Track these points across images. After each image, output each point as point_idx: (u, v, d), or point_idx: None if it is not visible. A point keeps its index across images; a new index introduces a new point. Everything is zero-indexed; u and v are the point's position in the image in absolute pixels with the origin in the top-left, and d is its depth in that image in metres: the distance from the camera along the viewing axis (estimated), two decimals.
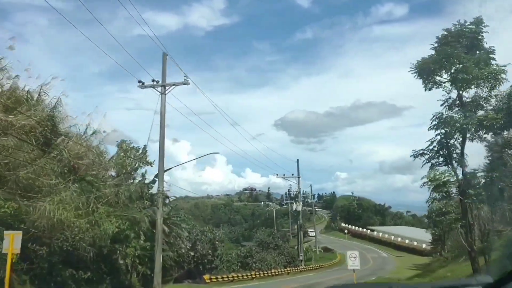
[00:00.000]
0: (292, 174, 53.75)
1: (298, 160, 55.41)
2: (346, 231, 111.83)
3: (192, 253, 34.03)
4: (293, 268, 47.26)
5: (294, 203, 55.81)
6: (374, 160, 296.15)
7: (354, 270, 25.56)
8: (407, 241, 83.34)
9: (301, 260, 52.40)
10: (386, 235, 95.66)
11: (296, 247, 55.41)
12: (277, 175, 53.28)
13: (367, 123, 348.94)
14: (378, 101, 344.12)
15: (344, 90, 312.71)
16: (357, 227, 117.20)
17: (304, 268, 49.90)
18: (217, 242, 37.40)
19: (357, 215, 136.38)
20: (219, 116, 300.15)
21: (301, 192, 54.94)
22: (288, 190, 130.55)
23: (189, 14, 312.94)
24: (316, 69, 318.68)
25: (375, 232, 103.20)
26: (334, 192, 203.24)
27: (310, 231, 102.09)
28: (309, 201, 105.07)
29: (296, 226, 63.86)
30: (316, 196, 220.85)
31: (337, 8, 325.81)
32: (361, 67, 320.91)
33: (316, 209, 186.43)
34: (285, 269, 45.12)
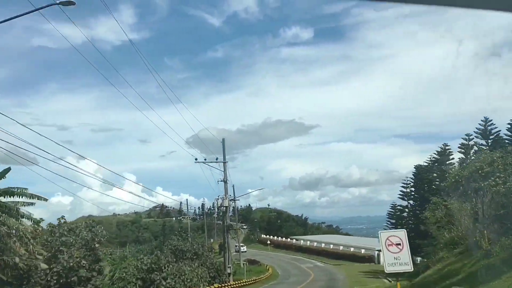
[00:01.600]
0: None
1: (223, 139, 41.34)
2: (269, 242, 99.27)
3: (47, 266, 18.36)
4: (221, 285, 32.59)
5: (220, 200, 41.25)
6: (284, 177, 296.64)
7: None
8: (341, 247, 72.59)
9: (230, 274, 37.88)
10: (315, 243, 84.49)
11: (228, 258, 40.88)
12: (196, 159, 38.84)
13: (277, 140, 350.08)
14: (287, 119, 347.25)
15: (255, 109, 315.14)
16: (280, 238, 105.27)
17: (235, 284, 35.53)
18: (97, 245, 21.27)
19: (278, 225, 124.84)
20: (128, 133, 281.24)
21: (227, 176, 40.76)
22: (202, 204, 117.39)
23: (95, 27, 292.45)
24: (227, 87, 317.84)
25: (302, 241, 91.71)
26: (249, 205, 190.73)
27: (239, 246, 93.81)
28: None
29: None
30: (230, 210, 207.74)
31: (247, 29, 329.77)
32: (271, 86, 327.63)
33: (232, 223, 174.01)
34: (211, 287, 30.40)
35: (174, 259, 30.75)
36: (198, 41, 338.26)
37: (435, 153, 43.66)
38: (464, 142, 40.20)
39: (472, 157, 40.61)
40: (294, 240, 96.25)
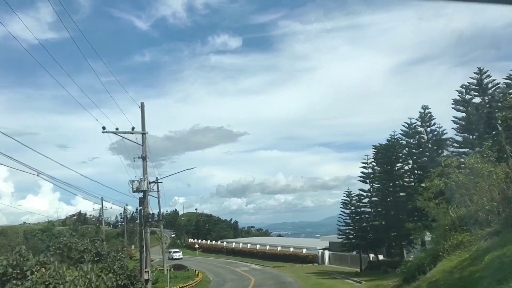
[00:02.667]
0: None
1: (142, 103, 31.02)
2: (197, 246, 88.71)
3: None
4: None
5: (138, 183, 30.36)
6: (212, 184, 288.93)
7: None
8: (279, 248, 64.22)
9: (147, 281, 27.45)
10: (249, 245, 75.48)
11: (146, 260, 29.99)
12: (104, 128, 28.13)
13: (205, 147, 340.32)
14: (216, 126, 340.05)
15: (183, 115, 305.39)
16: (209, 241, 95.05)
17: None
18: None
19: (207, 229, 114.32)
20: (44, 137, 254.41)
21: (147, 152, 30.31)
22: (124, 208, 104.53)
23: (10, 25, 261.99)
24: (155, 93, 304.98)
25: (234, 244, 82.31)
26: (176, 210, 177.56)
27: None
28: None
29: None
30: (155, 216, 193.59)
31: (176, 34, 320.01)
32: (199, 93, 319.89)
33: (157, 229, 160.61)
34: None
35: (60, 259, 19.99)
36: (124, 44, 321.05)
37: (405, 126, 36.60)
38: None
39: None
40: (225, 243, 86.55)
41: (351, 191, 40.84)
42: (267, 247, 67.79)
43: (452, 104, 31.22)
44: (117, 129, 29.66)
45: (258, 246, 71.17)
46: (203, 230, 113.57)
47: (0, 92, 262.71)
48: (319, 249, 55.58)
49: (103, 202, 63.85)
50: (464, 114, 30.68)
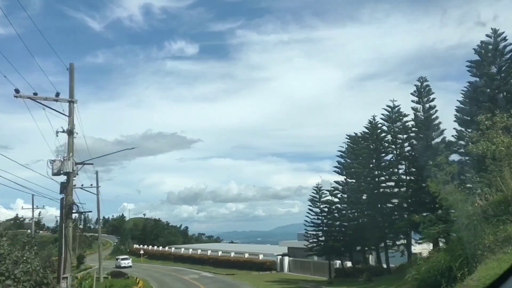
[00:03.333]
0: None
1: (71, 64, 24.35)
2: (141, 252, 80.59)
3: None
4: None
5: (60, 163, 23.28)
6: (162, 191, 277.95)
7: None
8: (232, 254, 58.04)
9: None
10: (200, 251, 68.71)
11: (64, 263, 22.88)
12: (17, 91, 21.22)
13: (157, 153, 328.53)
14: (169, 132, 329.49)
15: (136, 120, 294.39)
16: (156, 247, 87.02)
17: None
18: None
19: (154, 234, 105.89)
20: None
21: (79, 128, 23.31)
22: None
23: None
24: (107, 95, 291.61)
25: (183, 249, 75.12)
26: (123, 215, 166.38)
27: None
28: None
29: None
30: (81, 207, 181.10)
31: (132, 38, 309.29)
32: (153, 98, 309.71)
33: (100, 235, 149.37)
34: None
35: None
36: (75, 44, 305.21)
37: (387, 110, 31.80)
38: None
39: None
40: (173, 249, 79.09)
41: (320, 187, 35.72)
42: (219, 253, 61.40)
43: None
44: (35, 94, 22.53)
45: (209, 252, 64.65)
46: (151, 235, 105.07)
47: None
48: (277, 255, 50.03)
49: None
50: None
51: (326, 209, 35.74)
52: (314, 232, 36.53)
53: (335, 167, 36.95)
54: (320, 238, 36.06)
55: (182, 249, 74.78)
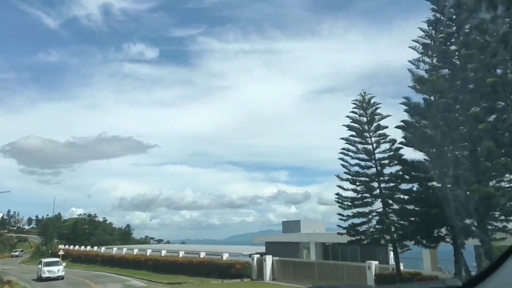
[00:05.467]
0: None
1: None
2: (61, 253, 58.80)
3: None
4: None
5: None
6: (114, 196, 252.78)
7: None
8: (181, 254, 38.29)
9: None
10: (137, 251, 48.37)
11: None
12: None
13: (111, 157, 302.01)
14: (125, 136, 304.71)
15: (89, 122, 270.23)
16: (85, 247, 65.12)
17: None
18: None
19: (87, 234, 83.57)
20: None
21: None
22: None
23: None
24: (60, 96, 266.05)
25: (115, 249, 54.22)
26: (59, 213, 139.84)
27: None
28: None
29: None
30: (33, 220, 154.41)
31: (88, 37, 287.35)
32: (109, 101, 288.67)
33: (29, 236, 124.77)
34: None
35: None
36: (27, 40, 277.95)
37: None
38: None
39: None
40: (102, 249, 57.91)
41: (367, 94, 17.62)
42: (163, 252, 41.55)
43: None
44: None
45: (148, 252, 44.56)
46: (83, 235, 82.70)
47: None
48: (251, 254, 31.10)
49: None
50: None
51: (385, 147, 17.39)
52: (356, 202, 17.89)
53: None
54: (366, 212, 17.45)
55: (114, 249, 53.90)
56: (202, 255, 35.01)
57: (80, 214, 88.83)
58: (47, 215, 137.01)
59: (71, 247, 68.85)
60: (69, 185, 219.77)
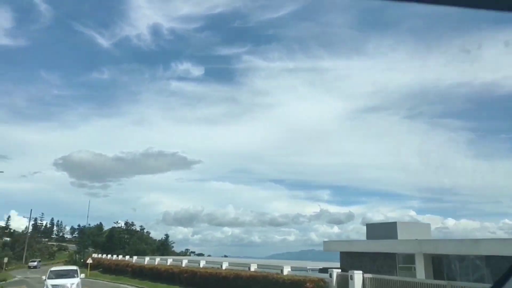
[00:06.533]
0: None
1: None
2: (89, 261, 51.14)
3: None
4: None
5: None
6: (159, 211, 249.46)
7: None
8: (225, 265, 28.99)
9: None
10: (170, 261, 39.66)
11: None
12: None
13: (156, 172, 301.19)
14: (170, 152, 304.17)
15: (137, 137, 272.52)
16: (117, 256, 57.28)
17: None
18: None
19: (124, 242, 76.31)
20: None
21: None
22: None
23: None
24: (110, 112, 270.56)
25: (147, 260, 45.67)
26: (101, 223, 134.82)
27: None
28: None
29: None
30: (76, 230, 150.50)
31: (138, 56, 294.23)
32: (156, 117, 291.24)
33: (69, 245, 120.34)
34: None
35: None
36: (82, 59, 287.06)
37: None
38: None
39: None
40: (134, 258, 49.62)
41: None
42: (201, 263, 32.35)
43: None
44: None
45: (184, 262, 35.61)
46: (119, 243, 75.47)
47: None
48: (328, 268, 21.31)
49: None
50: None
51: None
52: None
53: None
54: None
55: (146, 259, 45.42)
56: (253, 267, 25.54)
57: (116, 222, 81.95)
58: (89, 224, 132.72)
59: (104, 255, 61.56)
60: (116, 198, 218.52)
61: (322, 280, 19.17)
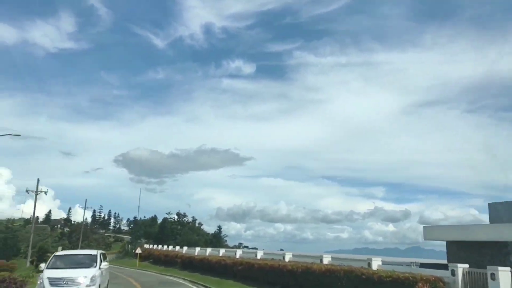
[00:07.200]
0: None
1: None
2: (138, 251, 47.85)
3: None
4: None
5: None
6: (212, 206, 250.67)
7: None
8: (289, 257, 23.50)
9: None
10: (223, 252, 34.76)
11: None
12: None
13: (209, 168, 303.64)
14: (223, 148, 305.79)
15: (191, 134, 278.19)
16: (167, 247, 53.64)
17: None
18: None
19: (176, 233, 73.05)
20: (50, 144, 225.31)
21: None
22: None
23: (30, 30, 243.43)
24: (164, 110, 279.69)
25: (197, 250, 41.15)
26: (155, 216, 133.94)
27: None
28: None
29: None
30: (131, 220, 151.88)
31: (191, 55, 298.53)
32: (208, 115, 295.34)
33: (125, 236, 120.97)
34: None
35: None
36: (139, 60, 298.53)
37: None
38: None
39: None
40: (184, 249, 45.37)
41: None
42: (259, 255, 27.05)
43: None
44: None
45: (238, 253, 30.45)
46: (171, 233, 72.35)
47: (13, 95, 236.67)
48: (433, 263, 15.14)
49: None
50: None
51: None
52: None
53: None
54: None
55: (197, 250, 40.88)
56: (327, 260, 19.68)
57: (168, 212, 79.12)
58: (144, 217, 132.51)
59: (155, 246, 58.30)
60: (171, 194, 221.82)
61: (439, 279, 12.95)
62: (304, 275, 18.48)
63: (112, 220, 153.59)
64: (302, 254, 24.91)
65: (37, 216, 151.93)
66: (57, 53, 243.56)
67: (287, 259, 22.73)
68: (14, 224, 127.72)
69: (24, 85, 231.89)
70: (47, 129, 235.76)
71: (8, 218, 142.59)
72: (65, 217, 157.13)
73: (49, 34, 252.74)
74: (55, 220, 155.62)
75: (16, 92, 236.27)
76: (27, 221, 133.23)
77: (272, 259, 23.88)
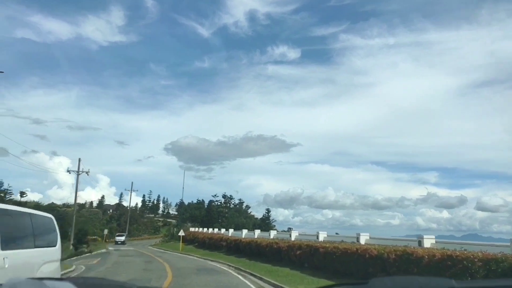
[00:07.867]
0: None
1: None
2: (181, 234, 43.68)
3: None
4: None
5: None
6: (259, 193, 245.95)
7: None
8: (364, 239, 17.67)
9: None
10: (274, 233, 29.38)
11: None
12: None
13: (256, 155, 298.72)
14: (269, 135, 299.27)
15: (237, 122, 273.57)
16: (212, 230, 49.13)
17: None
18: None
19: (222, 215, 68.80)
20: (105, 133, 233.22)
21: None
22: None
23: (83, 25, 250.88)
24: (211, 98, 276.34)
25: (244, 233, 36.00)
26: (202, 200, 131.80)
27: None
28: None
29: None
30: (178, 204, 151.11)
31: (236, 43, 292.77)
32: (254, 102, 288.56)
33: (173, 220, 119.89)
34: None
35: None
36: (185, 50, 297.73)
37: None
38: None
39: None
40: (230, 232, 40.42)
41: None
42: (321, 237, 21.30)
43: None
44: None
45: (293, 236, 24.89)
46: (218, 216, 68.21)
47: (69, 88, 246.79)
48: None
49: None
50: None
51: None
52: None
53: None
54: None
55: (244, 232, 35.71)
56: (429, 243, 13.48)
57: (214, 195, 75.09)
58: (192, 201, 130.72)
59: (200, 229, 54.23)
60: (219, 181, 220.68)
61: None
62: (383, 260, 12.47)
63: (161, 205, 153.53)
64: (377, 237, 18.75)
65: (92, 201, 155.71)
66: (108, 46, 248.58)
67: (363, 241, 16.72)
68: (70, 209, 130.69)
69: (79, 79, 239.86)
70: (102, 119, 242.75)
71: (64, 203, 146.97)
72: (118, 202, 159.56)
73: (101, 28, 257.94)
74: (107, 205, 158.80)
75: (73, 85, 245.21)
76: (81, 206, 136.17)
77: (342, 241, 17.95)
